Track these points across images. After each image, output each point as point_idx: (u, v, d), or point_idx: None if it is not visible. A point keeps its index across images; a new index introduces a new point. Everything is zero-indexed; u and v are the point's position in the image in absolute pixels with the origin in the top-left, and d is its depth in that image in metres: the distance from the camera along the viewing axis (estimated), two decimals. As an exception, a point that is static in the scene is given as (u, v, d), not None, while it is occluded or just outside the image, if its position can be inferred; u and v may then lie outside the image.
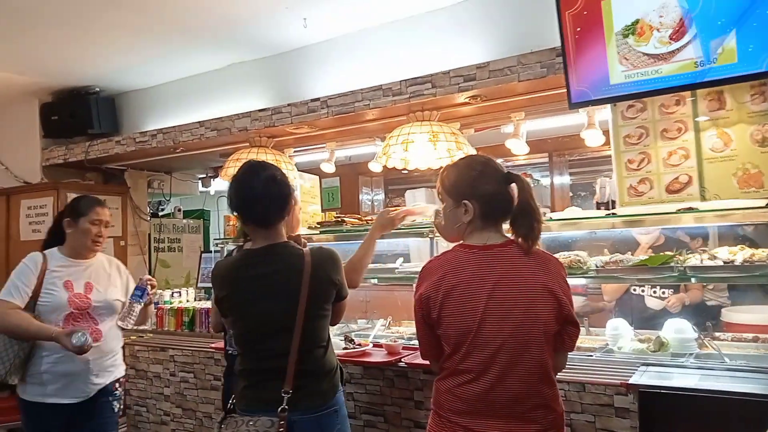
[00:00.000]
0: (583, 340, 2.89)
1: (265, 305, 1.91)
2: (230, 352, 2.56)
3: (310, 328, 1.91)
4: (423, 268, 1.79)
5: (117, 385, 2.72)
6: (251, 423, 1.83)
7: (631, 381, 2.25)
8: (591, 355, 2.65)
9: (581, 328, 3.04)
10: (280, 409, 1.82)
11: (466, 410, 1.64)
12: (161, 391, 3.64)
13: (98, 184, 5.02)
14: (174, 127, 4.14)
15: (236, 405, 1.94)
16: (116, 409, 2.73)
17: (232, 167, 3.70)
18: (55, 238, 2.72)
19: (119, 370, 2.75)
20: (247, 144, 3.86)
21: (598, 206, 2.94)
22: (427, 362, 1.85)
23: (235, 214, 1.99)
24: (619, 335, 2.75)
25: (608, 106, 2.61)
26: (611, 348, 2.71)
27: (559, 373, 1.79)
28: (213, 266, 2.12)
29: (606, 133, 2.82)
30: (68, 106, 4.59)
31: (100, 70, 4.26)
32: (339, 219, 3.50)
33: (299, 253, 1.94)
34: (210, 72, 4.25)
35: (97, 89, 4.61)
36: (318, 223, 3.65)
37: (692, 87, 2.34)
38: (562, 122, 3.53)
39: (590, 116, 2.97)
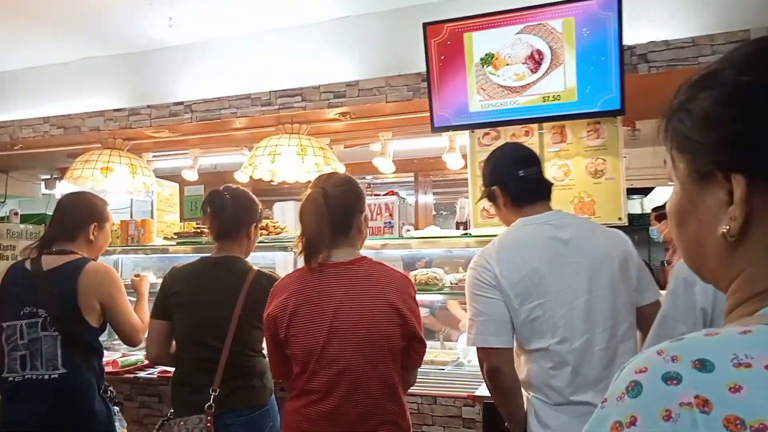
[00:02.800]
0: (438, 353, 3.00)
1: (207, 308, 2.02)
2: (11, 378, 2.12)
3: (244, 335, 2.00)
4: (273, 287, 1.77)
5: None
6: (182, 423, 1.94)
7: (477, 393, 2.37)
8: (443, 369, 2.76)
9: (436, 342, 3.22)
10: (206, 406, 1.91)
11: (312, 431, 1.62)
12: None
13: None
14: (13, 121, 3.71)
15: (173, 410, 2.02)
16: None
17: (79, 169, 3.38)
18: None
19: None
20: (99, 145, 3.55)
21: (458, 226, 3.10)
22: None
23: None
24: (469, 349, 2.89)
25: (467, 132, 2.77)
26: (462, 361, 2.84)
27: (411, 388, 1.84)
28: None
29: (465, 156, 2.99)
30: None
31: None
32: (198, 230, 3.33)
33: (245, 269, 2.08)
34: (59, 64, 3.86)
35: None
36: (175, 233, 3.45)
37: (539, 120, 2.56)
38: (428, 144, 3.68)
39: (452, 140, 3.12)
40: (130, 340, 2.22)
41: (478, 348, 1.66)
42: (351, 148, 3.69)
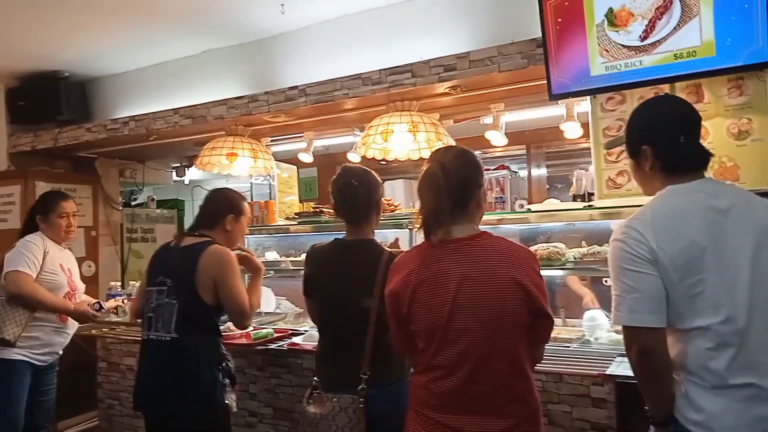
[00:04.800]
0: (560, 331, 2.91)
1: (345, 290, 2.09)
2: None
3: (382, 315, 2.02)
4: (393, 263, 1.78)
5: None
6: (335, 400, 2.03)
7: (608, 372, 2.27)
8: (568, 347, 2.67)
9: (558, 319, 3.12)
10: (360, 388, 1.99)
11: (440, 406, 1.62)
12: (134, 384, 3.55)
13: (67, 172, 4.86)
14: (147, 114, 4.03)
15: (320, 382, 2.12)
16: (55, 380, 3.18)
17: (207, 156, 3.62)
18: (29, 229, 3.07)
19: None
20: (223, 132, 3.78)
21: (575, 198, 2.95)
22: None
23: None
24: (596, 326, 2.77)
25: (587, 98, 2.62)
26: (588, 339, 2.73)
27: (536, 365, 1.79)
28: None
29: (584, 125, 2.83)
30: (36, 92, 4.44)
31: (69, 54, 4.12)
32: (317, 210, 3.45)
33: (379, 251, 2.12)
34: (185, 58, 4.15)
35: (66, 74, 4.46)
36: (296, 214, 3.61)
37: (671, 80, 2.36)
38: (541, 114, 3.53)
39: (569, 108, 2.97)
40: (236, 321, 2.38)
41: (626, 327, 1.53)
42: (461, 122, 3.62)
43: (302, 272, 2.25)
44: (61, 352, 3.14)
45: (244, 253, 2.66)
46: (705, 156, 1.62)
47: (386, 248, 2.15)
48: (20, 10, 3.35)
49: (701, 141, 1.67)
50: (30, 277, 2.85)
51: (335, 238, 2.25)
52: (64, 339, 3.11)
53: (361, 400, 1.98)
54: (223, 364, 2.37)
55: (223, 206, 2.50)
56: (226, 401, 2.33)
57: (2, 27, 3.58)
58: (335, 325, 2.13)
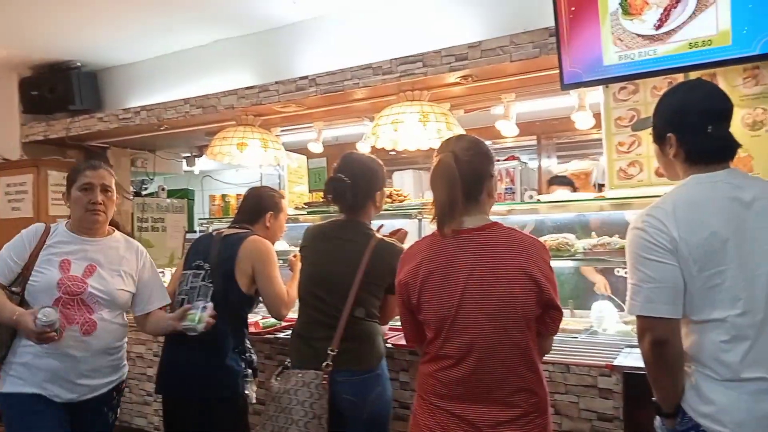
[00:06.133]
0: (568, 322, 2.90)
1: (329, 266, 2.14)
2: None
3: (362, 298, 2.08)
4: (403, 253, 1.78)
5: (115, 393, 2.27)
6: (300, 375, 2.06)
7: (616, 363, 2.27)
8: (576, 337, 2.67)
9: (566, 310, 3.11)
10: (324, 364, 2.02)
11: (448, 395, 1.63)
12: (144, 372, 3.60)
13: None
14: (158, 104, 4.05)
15: (290, 359, 2.17)
16: (111, 420, 2.28)
17: (217, 146, 3.63)
18: None
19: (119, 373, 2.26)
20: (234, 122, 3.79)
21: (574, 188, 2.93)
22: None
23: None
24: (604, 317, 2.76)
25: (599, 87, 2.59)
26: (596, 330, 2.72)
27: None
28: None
29: (596, 115, 2.81)
30: (48, 81, 4.47)
31: (81, 45, 4.15)
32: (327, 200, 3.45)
33: (370, 234, 2.17)
34: (195, 48, 4.15)
35: (79, 64, 4.49)
36: (305, 204, 3.61)
37: (686, 69, 2.32)
38: (552, 105, 3.51)
39: (581, 98, 2.94)
40: (273, 311, 2.40)
41: (641, 317, 1.50)
42: (471, 112, 3.61)
43: None
44: (93, 384, 2.15)
45: (295, 259, 2.72)
46: (731, 148, 1.58)
47: (377, 234, 2.19)
48: (33, 1, 3.37)
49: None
50: None
51: (333, 219, 2.31)
52: (72, 364, 2.09)
53: (325, 376, 2.01)
54: (247, 355, 2.40)
55: (264, 204, 2.59)
56: (246, 391, 2.36)
57: (16, 17, 3.60)
58: (314, 299, 2.16)
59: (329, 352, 2.04)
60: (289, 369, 2.15)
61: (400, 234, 2.45)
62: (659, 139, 1.64)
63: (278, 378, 2.15)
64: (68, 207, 2.25)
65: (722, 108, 1.58)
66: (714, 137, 1.54)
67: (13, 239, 2.22)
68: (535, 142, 4.98)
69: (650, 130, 1.69)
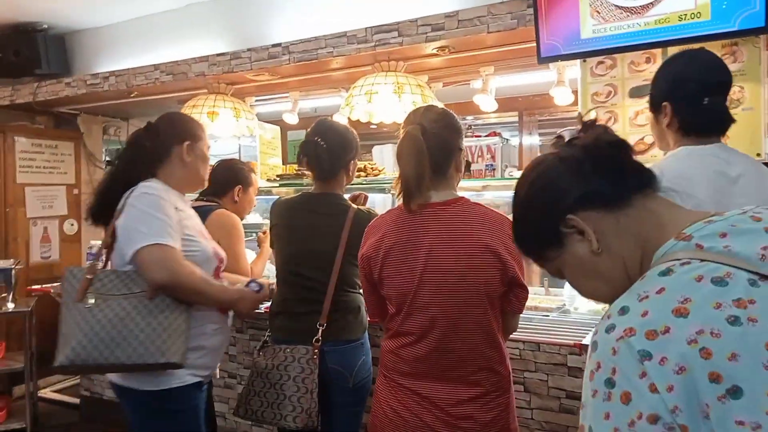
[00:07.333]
0: (542, 300, 2.89)
1: (308, 241, 2.07)
2: None
3: (344, 270, 2.04)
4: (367, 226, 1.73)
5: None
6: (288, 351, 2.02)
7: (585, 341, 2.25)
8: (548, 315, 2.65)
9: (540, 288, 3.09)
10: (314, 339, 1.99)
11: (410, 372, 1.60)
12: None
13: (49, 128, 4.75)
14: (127, 69, 3.90)
15: (273, 335, 2.13)
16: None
17: (187, 114, 3.51)
18: (133, 171, 1.84)
19: None
20: (206, 90, 3.67)
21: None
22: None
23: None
24: (576, 296, 2.74)
25: (578, 62, 2.53)
26: (568, 309, 2.71)
27: (514, 333, 1.76)
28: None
29: (576, 92, 2.75)
30: (13, 44, 4.27)
31: (48, 6, 3.96)
32: (300, 172, 3.38)
33: (346, 204, 2.12)
34: (168, 12, 3.99)
35: (45, 26, 4.30)
36: (278, 176, 3.53)
37: (663, 44, 2.27)
38: (534, 80, 3.44)
39: (560, 73, 2.88)
40: None
41: None
42: (450, 86, 3.53)
43: None
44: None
45: (264, 236, 2.67)
46: (725, 122, 1.56)
47: (353, 205, 2.13)
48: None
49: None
50: (179, 253, 1.72)
51: (303, 192, 2.24)
52: (226, 338, 2.00)
53: (316, 351, 1.99)
54: None
55: (232, 177, 2.54)
56: None
57: (-26, -27, 3.43)
58: (296, 277, 2.11)
59: (318, 326, 2.01)
60: (270, 345, 2.10)
61: (361, 197, 2.38)
62: (654, 107, 1.61)
63: (261, 353, 2.10)
64: (189, 161, 1.88)
65: (721, 80, 1.55)
66: (709, 109, 1.53)
67: (148, 199, 1.74)
68: (517, 119, 4.91)
69: (627, 102, 1.66)
